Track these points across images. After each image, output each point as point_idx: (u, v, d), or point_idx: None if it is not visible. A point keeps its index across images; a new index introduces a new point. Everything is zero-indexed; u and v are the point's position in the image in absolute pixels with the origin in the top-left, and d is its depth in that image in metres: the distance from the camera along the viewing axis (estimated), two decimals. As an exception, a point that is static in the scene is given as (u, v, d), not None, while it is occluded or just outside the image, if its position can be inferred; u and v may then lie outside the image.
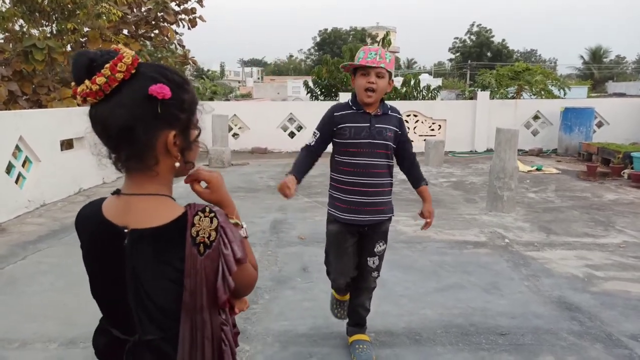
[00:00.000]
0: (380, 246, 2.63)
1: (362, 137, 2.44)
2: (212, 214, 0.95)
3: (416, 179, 2.67)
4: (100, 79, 0.90)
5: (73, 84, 0.95)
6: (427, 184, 2.68)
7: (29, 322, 3.17)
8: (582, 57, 56.24)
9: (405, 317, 3.25)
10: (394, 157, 2.60)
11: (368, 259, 2.63)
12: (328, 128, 2.51)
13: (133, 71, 0.92)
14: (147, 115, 0.93)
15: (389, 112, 2.52)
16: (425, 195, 2.67)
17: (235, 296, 1.07)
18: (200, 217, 0.95)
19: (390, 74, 2.45)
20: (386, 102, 2.55)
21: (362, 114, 2.46)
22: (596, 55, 54.76)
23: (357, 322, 2.82)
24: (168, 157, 0.98)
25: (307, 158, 2.52)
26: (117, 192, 1.03)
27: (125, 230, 0.97)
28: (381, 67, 2.36)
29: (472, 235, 5.05)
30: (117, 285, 0.99)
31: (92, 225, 1.03)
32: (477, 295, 3.58)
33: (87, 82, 0.91)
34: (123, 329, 1.03)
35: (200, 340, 0.97)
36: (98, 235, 1.02)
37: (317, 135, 2.54)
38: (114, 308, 1.05)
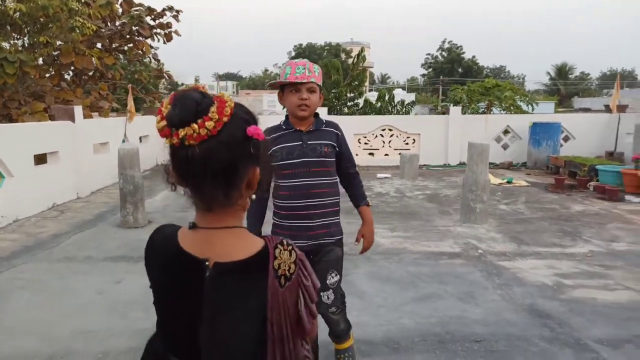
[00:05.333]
0: (332, 277, 2.38)
1: (294, 157, 2.29)
2: (290, 247, 0.99)
3: (355, 198, 2.52)
4: (209, 124, 0.90)
5: (164, 123, 0.92)
6: (368, 205, 2.52)
7: (8, 339, 3.12)
8: (548, 73, 58.25)
9: (384, 326, 3.32)
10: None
11: (321, 294, 2.37)
12: None
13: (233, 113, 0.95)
14: (245, 155, 0.96)
15: (324, 127, 2.38)
16: (364, 215, 2.51)
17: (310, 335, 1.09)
18: (280, 250, 0.98)
19: (320, 87, 2.33)
20: (322, 117, 2.45)
21: (294, 132, 2.32)
22: (562, 71, 56.77)
23: (337, 336, 2.67)
24: (248, 191, 1.01)
25: (256, 205, 2.38)
26: (193, 226, 1.03)
27: (207, 263, 0.98)
28: (312, 81, 2.24)
29: (447, 246, 5.18)
30: (189, 315, 0.99)
31: (167, 255, 1.03)
32: (453, 304, 3.69)
33: (194, 125, 0.90)
34: (184, 357, 1.02)
35: None
36: (175, 266, 1.02)
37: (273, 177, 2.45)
38: (178, 336, 1.04)
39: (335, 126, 2.43)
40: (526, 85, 62.92)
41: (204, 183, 0.96)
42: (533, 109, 15.28)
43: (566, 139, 12.01)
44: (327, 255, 2.37)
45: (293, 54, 55.21)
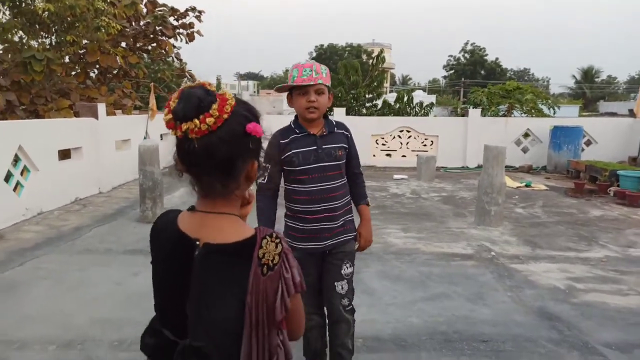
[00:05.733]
0: (347, 268, 2.40)
1: (311, 162, 2.28)
2: (278, 240, 1.05)
3: (356, 196, 2.51)
4: (209, 120, 0.98)
5: (170, 116, 1.00)
6: (368, 205, 2.53)
7: (28, 325, 3.27)
8: (574, 76, 57.18)
9: (392, 324, 3.37)
10: None
11: (335, 283, 2.36)
12: (278, 157, 2.30)
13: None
14: (244, 149, 1.04)
15: (335, 130, 2.38)
16: (362, 214, 2.52)
17: (290, 334, 1.16)
18: (268, 240, 1.04)
19: (328, 88, 2.30)
20: (331, 118, 2.45)
21: (307, 136, 2.30)
22: (588, 75, 55.69)
23: (341, 346, 2.48)
24: (246, 184, 1.10)
25: (268, 201, 2.32)
26: (192, 209, 1.12)
27: (197, 243, 1.06)
28: (319, 83, 2.22)
29: (459, 248, 5.19)
30: (180, 291, 1.07)
31: (166, 234, 1.12)
32: (462, 305, 3.71)
33: (196, 121, 0.98)
34: (175, 331, 1.10)
35: (261, 353, 1.05)
36: (171, 244, 1.10)
37: (269, 169, 2.34)
38: (171, 311, 1.12)
39: (345, 127, 2.44)
40: (551, 88, 61.96)
41: (204, 173, 1.04)
42: (554, 113, 15.06)
43: (588, 143, 11.82)
44: (343, 246, 2.39)
45: (314, 54, 55.38)
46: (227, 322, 1.04)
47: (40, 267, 4.45)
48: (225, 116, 1.00)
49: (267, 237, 1.06)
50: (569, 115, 18.83)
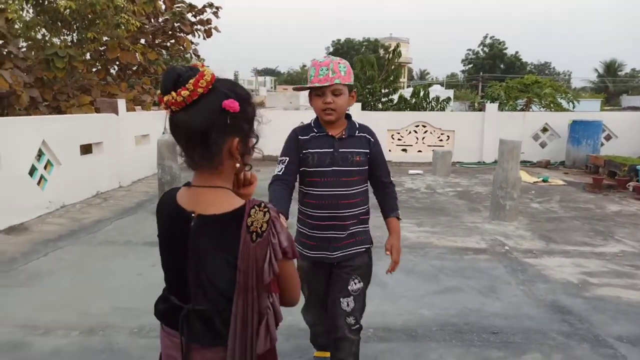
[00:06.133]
0: (355, 284, 2.20)
1: (325, 165, 2.15)
2: (266, 209, 1.13)
3: (385, 209, 2.31)
4: (184, 92, 1.07)
5: (159, 92, 1.13)
6: (398, 218, 2.30)
7: (52, 312, 3.41)
8: (596, 70, 56.09)
9: (404, 315, 3.42)
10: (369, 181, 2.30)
11: (341, 299, 2.18)
12: (296, 152, 2.19)
13: (210, 86, 1.10)
14: (220, 124, 1.11)
15: (357, 134, 2.21)
16: (392, 227, 2.28)
17: (285, 301, 1.24)
18: (256, 210, 1.12)
19: (349, 87, 2.15)
20: (355, 120, 2.27)
21: (325, 137, 2.17)
22: (611, 68, 54.58)
23: None
24: (231, 159, 1.17)
25: (283, 191, 2.11)
26: (187, 184, 1.22)
27: (193, 215, 1.16)
28: (335, 83, 2.07)
29: (473, 242, 5.21)
30: (181, 260, 1.19)
31: (167, 209, 1.24)
32: (474, 298, 3.74)
33: (173, 93, 1.08)
34: (180, 297, 1.21)
35: (250, 315, 1.13)
36: (171, 217, 1.22)
37: (286, 162, 2.17)
38: (175, 279, 1.24)
39: (369, 131, 2.26)
40: (572, 82, 60.90)
41: (184, 144, 1.15)
42: (574, 107, 14.83)
43: (608, 138, 11.65)
44: (352, 260, 2.22)
45: (331, 49, 55.29)
46: (222, 286, 1.14)
47: (63, 257, 4.61)
48: (201, 90, 1.08)
49: (256, 206, 1.13)
50: (590, 110, 18.51)
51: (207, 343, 1.17)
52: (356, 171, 2.18)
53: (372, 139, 2.23)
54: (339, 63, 2.10)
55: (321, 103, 2.11)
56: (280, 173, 2.14)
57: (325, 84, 2.06)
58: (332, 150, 2.15)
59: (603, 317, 3.42)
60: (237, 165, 1.20)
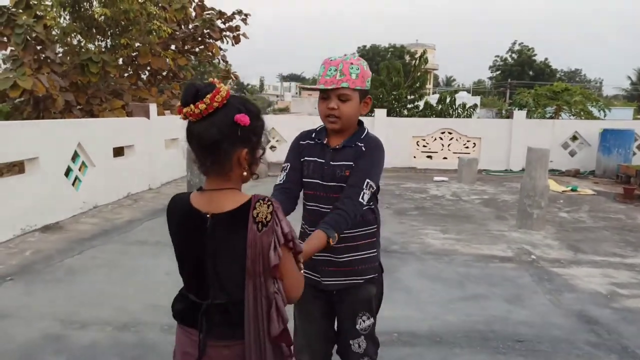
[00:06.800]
0: (363, 321, 1.94)
1: (317, 178, 1.90)
2: (269, 202, 1.24)
3: (324, 221, 1.74)
4: (202, 105, 1.20)
5: (179, 104, 1.26)
6: (329, 237, 1.68)
7: (87, 308, 3.55)
8: (629, 77, 54.69)
9: (429, 321, 3.44)
10: (375, 197, 1.94)
11: (351, 342, 1.95)
12: (296, 159, 1.96)
13: (225, 102, 1.23)
14: (231, 135, 1.24)
15: (354, 144, 1.87)
16: (313, 236, 1.69)
17: (286, 296, 1.31)
18: (261, 203, 1.24)
19: (361, 92, 1.84)
20: (367, 129, 1.95)
21: (320, 146, 1.92)
22: (644, 76, 53.09)
23: None
24: (239, 168, 1.29)
25: (281, 197, 1.86)
26: (200, 189, 1.34)
27: (208, 216, 1.28)
28: (342, 87, 1.79)
29: (499, 250, 5.18)
30: (197, 258, 1.30)
31: (182, 210, 1.34)
32: (500, 305, 3.74)
33: (191, 105, 1.21)
34: (198, 294, 1.33)
35: (260, 299, 1.24)
36: (187, 218, 1.32)
37: (287, 169, 1.95)
38: (193, 277, 1.34)
39: (366, 140, 1.88)
40: (604, 90, 59.52)
41: (197, 151, 1.28)
42: (605, 115, 14.54)
43: (640, 147, 11.38)
44: (354, 294, 1.93)
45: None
46: (237, 275, 1.25)
47: (97, 256, 4.77)
48: (216, 104, 1.21)
49: (260, 200, 1.25)
50: (622, 118, 18.10)
51: (224, 337, 1.28)
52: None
53: (364, 149, 1.86)
54: (351, 64, 1.81)
55: (325, 108, 1.85)
56: (281, 182, 1.93)
57: (330, 87, 1.80)
58: (323, 161, 1.90)
59: (632, 328, 3.37)
60: (244, 174, 1.31)
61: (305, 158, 1.94)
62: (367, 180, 1.81)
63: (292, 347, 1.35)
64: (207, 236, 1.28)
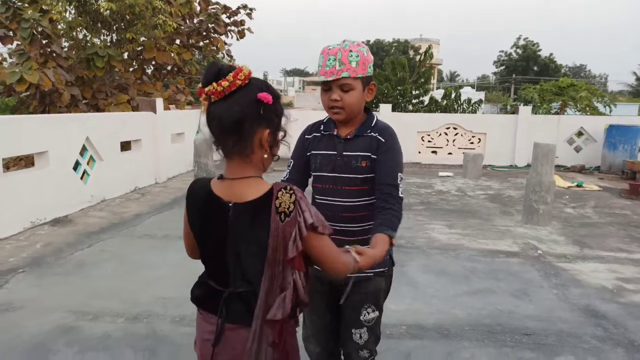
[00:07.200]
0: (368, 313, 1.92)
1: (327, 170, 1.86)
2: (292, 191, 1.23)
3: (378, 223, 1.72)
4: (224, 83, 1.20)
5: (199, 85, 1.24)
6: (392, 237, 1.67)
7: (98, 300, 3.59)
8: (634, 73, 54.34)
9: (436, 314, 3.47)
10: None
11: (353, 331, 1.93)
12: (302, 154, 1.95)
13: (247, 81, 1.22)
14: (253, 114, 1.23)
15: (367, 133, 1.83)
16: (377, 241, 1.63)
17: (328, 272, 1.33)
18: (283, 192, 1.23)
19: (364, 79, 1.78)
20: (376, 115, 1.91)
21: (329, 137, 1.88)
22: (650, 71, 52.74)
23: None
24: (260, 149, 1.28)
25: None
26: (221, 177, 1.33)
27: (230, 204, 1.27)
28: (342, 77, 1.74)
29: (505, 245, 5.20)
30: (219, 246, 1.30)
31: (203, 198, 1.33)
32: (506, 300, 3.76)
33: (214, 84, 1.20)
34: (219, 281, 1.33)
35: (274, 287, 1.23)
36: (208, 206, 1.32)
37: (291, 165, 1.97)
38: (214, 264, 1.35)
39: (382, 131, 1.84)
40: (609, 85, 59.22)
41: (220, 131, 1.26)
42: (611, 111, 14.49)
43: (646, 143, 11.34)
44: (364, 287, 1.90)
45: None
46: (259, 265, 1.24)
47: (106, 249, 4.82)
48: (239, 82, 1.21)
49: (282, 189, 1.24)
50: (627, 114, 18.02)
51: (244, 322, 1.27)
52: (361, 179, 1.83)
53: (382, 140, 1.82)
54: (350, 51, 1.74)
55: (327, 99, 1.81)
56: (285, 179, 1.94)
57: (331, 78, 1.75)
58: (335, 153, 1.85)
59: (639, 323, 3.39)
60: (265, 155, 1.30)
61: (312, 152, 1.91)
62: (399, 174, 1.82)
63: (300, 316, 1.37)
64: (229, 225, 1.27)
